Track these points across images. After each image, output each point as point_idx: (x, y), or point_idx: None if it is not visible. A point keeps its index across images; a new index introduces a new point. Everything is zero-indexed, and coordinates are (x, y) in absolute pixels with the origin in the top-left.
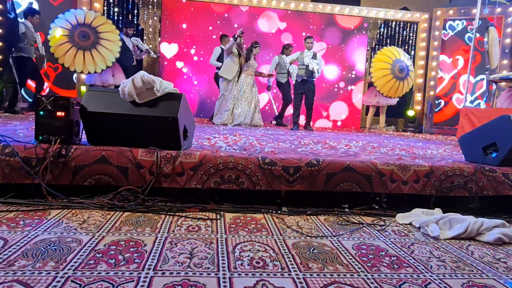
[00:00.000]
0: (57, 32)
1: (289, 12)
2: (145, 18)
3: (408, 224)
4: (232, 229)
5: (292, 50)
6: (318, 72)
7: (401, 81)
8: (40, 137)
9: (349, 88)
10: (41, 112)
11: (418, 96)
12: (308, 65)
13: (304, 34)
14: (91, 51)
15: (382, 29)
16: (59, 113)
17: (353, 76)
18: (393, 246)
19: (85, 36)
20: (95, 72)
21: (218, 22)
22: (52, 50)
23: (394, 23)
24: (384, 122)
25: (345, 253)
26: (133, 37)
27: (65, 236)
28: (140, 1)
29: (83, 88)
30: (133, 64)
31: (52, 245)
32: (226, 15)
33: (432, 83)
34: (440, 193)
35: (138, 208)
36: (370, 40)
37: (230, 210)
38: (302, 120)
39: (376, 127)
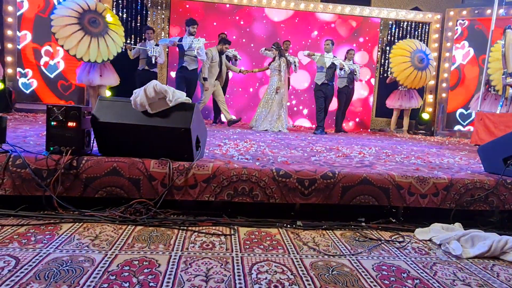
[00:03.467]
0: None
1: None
2: (153, 19)
3: (428, 240)
4: (247, 247)
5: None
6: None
7: (422, 72)
8: (51, 148)
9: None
10: (52, 123)
11: (429, 98)
12: (329, 69)
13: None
14: (99, 39)
15: (393, 30)
16: (70, 124)
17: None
18: (414, 267)
19: (95, 22)
20: (95, 61)
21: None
22: (54, 30)
23: (405, 23)
24: (407, 125)
25: (366, 275)
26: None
27: (77, 255)
28: (149, 2)
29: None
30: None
31: (64, 265)
32: (237, 17)
33: (444, 84)
34: (459, 207)
35: (151, 221)
36: (381, 40)
37: (244, 224)
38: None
39: (400, 130)
